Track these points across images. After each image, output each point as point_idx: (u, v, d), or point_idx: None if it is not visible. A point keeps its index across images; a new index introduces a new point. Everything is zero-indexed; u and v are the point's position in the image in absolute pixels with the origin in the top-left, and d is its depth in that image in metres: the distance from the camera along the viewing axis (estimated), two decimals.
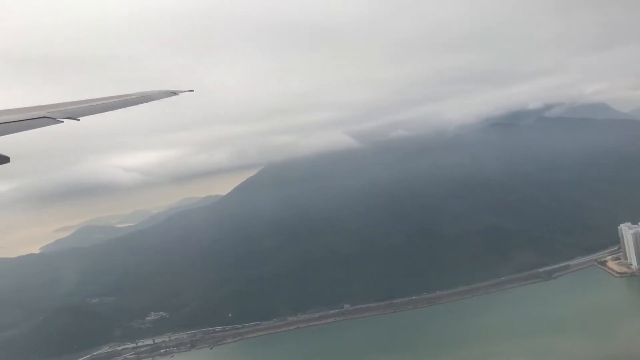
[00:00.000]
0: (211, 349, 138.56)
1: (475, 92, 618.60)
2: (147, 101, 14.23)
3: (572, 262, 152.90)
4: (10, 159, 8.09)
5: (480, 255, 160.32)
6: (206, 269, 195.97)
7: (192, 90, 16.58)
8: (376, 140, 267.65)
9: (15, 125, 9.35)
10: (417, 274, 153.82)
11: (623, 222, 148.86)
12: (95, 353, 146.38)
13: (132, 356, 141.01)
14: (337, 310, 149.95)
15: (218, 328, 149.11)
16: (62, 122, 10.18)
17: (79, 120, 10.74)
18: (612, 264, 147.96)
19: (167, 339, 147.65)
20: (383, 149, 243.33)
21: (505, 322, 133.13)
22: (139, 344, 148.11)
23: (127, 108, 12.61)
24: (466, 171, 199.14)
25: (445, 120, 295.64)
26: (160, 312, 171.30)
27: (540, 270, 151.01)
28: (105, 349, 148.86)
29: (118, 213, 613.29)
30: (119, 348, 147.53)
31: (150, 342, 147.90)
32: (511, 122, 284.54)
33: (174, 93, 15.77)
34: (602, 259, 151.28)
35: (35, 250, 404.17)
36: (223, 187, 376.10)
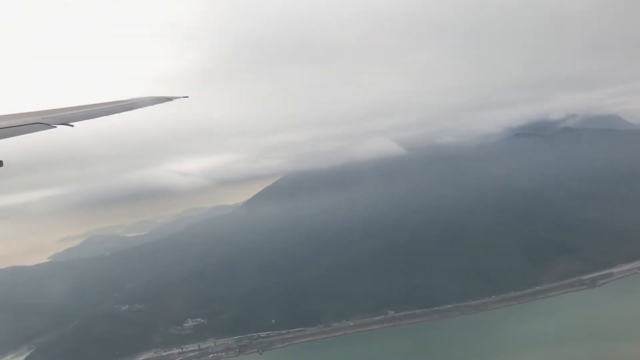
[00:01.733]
0: (260, 354, 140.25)
1: (498, 102, 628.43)
2: (140, 107, 14.32)
3: (614, 270, 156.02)
4: (7, 164, 8.70)
5: (521, 263, 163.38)
6: (238, 276, 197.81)
7: (187, 97, 16.83)
8: (418, 147, 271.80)
9: (9, 130, 9.53)
10: (459, 281, 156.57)
11: None
12: (142, 358, 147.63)
13: None
14: (382, 317, 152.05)
15: (263, 334, 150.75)
16: (55, 127, 10.39)
17: (72, 126, 10.90)
18: None
19: (212, 345, 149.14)
20: (424, 156, 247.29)
21: (554, 329, 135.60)
22: (184, 349, 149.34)
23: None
24: (496, 180, 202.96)
25: (469, 130, 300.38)
26: (198, 319, 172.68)
27: (584, 277, 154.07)
28: (150, 355, 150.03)
29: (120, 223, 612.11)
30: (165, 353, 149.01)
31: (195, 347, 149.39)
32: (534, 132, 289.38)
33: (169, 99, 15.89)
34: None
35: (44, 259, 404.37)
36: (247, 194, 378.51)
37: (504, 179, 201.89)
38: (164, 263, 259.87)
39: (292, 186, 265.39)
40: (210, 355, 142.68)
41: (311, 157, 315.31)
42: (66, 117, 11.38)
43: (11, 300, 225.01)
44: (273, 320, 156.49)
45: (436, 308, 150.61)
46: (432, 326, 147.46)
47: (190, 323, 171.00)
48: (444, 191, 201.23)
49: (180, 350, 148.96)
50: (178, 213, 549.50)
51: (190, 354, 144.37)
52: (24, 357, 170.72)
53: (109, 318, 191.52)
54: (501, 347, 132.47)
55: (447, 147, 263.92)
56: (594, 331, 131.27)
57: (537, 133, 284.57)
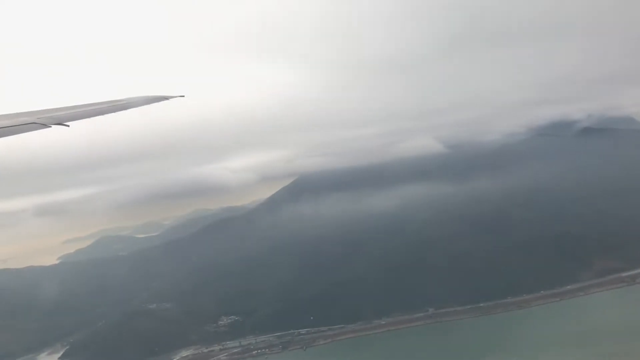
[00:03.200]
0: (305, 350, 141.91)
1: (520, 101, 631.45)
2: (135, 106, 14.42)
3: None
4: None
5: (558, 260, 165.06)
6: (268, 274, 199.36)
7: (183, 96, 16.81)
8: (458, 145, 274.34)
9: (4, 130, 9.70)
10: (498, 278, 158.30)
11: None
12: (184, 355, 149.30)
13: (225, 357, 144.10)
14: (422, 313, 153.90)
15: (303, 331, 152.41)
16: (50, 127, 10.56)
17: (68, 126, 11.05)
18: None
19: (253, 341, 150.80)
20: (464, 154, 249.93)
21: (595, 326, 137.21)
22: (225, 345, 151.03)
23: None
24: (530, 179, 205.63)
25: (491, 130, 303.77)
26: (232, 316, 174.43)
27: (624, 275, 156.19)
28: (190, 351, 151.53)
29: (126, 225, 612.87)
30: (206, 350, 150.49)
31: (235, 344, 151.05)
32: (555, 132, 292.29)
33: (165, 98, 15.93)
34: None
35: (53, 260, 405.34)
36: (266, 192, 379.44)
37: (530, 178, 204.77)
38: (185, 262, 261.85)
39: (328, 183, 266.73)
40: (254, 352, 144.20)
41: (352, 153, 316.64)
42: (62, 117, 11.46)
43: (34, 299, 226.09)
44: (312, 317, 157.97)
45: (477, 305, 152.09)
46: (473, 323, 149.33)
47: (225, 321, 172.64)
48: (482, 189, 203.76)
49: (221, 347, 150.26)
50: (185, 214, 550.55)
51: (234, 350, 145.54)
52: (60, 353, 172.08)
53: (139, 316, 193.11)
54: (543, 344, 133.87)
55: (486, 145, 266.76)
56: (634, 328, 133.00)
57: (558, 133, 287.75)
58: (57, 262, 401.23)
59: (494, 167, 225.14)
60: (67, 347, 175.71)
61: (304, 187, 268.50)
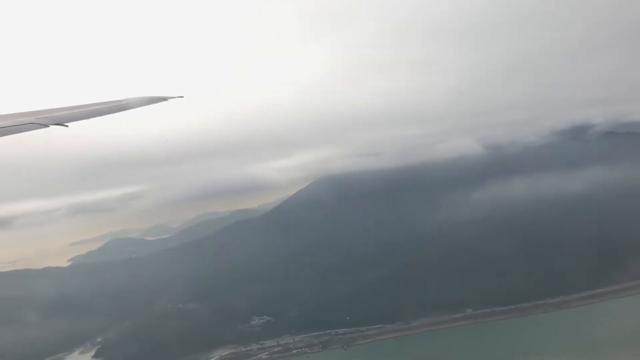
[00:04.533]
0: (345, 349, 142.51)
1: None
2: (134, 107, 14.49)
3: None
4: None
5: (594, 262, 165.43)
6: (297, 274, 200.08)
7: (182, 96, 16.82)
8: (498, 146, 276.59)
9: (3, 130, 9.82)
10: (536, 279, 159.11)
11: None
12: (224, 354, 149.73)
13: (266, 356, 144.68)
14: (460, 314, 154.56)
15: (340, 330, 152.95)
16: (48, 127, 10.66)
17: (67, 126, 11.16)
18: None
19: (291, 341, 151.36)
20: (502, 156, 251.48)
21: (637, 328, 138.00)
22: (263, 344, 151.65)
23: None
24: (557, 182, 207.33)
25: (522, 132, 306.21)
26: (264, 317, 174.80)
27: None
28: (228, 351, 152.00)
29: (133, 227, 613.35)
30: (244, 349, 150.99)
31: (273, 343, 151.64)
32: (577, 136, 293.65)
33: (163, 99, 15.94)
34: None
35: (63, 262, 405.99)
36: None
37: (568, 179, 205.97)
38: (206, 263, 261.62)
39: (364, 183, 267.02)
40: (294, 351, 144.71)
41: (389, 154, 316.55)
42: (60, 117, 11.54)
43: (59, 300, 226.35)
44: (348, 318, 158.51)
45: (516, 306, 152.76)
46: (512, 324, 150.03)
47: (257, 321, 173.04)
48: (516, 191, 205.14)
49: (259, 346, 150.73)
50: (194, 217, 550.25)
51: (275, 350, 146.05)
52: (92, 352, 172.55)
53: (167, 316, 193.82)
54: (584, 345, 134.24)
55: (524, 146, 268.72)
56: None
57: (581, 137, 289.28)
58: (68, 264, 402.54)
59: (527, 169, 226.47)
60: (99, 347, 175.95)
61: (339, 187, 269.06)
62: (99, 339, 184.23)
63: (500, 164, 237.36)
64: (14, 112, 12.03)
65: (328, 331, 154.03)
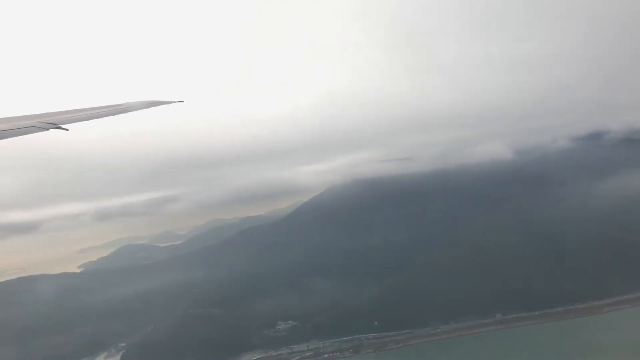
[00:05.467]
0: (377, 354, 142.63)
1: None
2: (134, 110, 14.62)
3: None
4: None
5: (621, 267, 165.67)
6: (320, 280, 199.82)
7: (182, 101, 16.80)
8: (528, 151, 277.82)
9: (4, 134, 9.91)
10: (567, 284, 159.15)
11: None
12: (254, 358, 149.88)
13: None
14: (491, 319, 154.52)
15: (370, 335, 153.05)
16: (48, 130, 10.76)
17: (67, 129, 11.23)
18: None
19: (320, 345, 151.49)
20: (531, 161, 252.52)
21: None
22: (293, 349, 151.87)
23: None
24: (584, 187, 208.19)
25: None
26: (289, 322, 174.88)
27: None
28: (259, 355, 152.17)
29: (141, 234, 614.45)
30: (275, 353, 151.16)
31: (303, 347, 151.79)
32: (596, 142, 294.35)
33: (165, 103, 16.03)
34: None
35: (73, 268, 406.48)
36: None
37: (593, 184, 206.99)
38: (220, 269, 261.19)
39: (392, 188, 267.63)
40: (325, 355, 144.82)
41: (419, 159, 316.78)
42: (61, 120, 11.63)
43: (78, 305, 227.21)
44: (376, 323, 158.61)
45: (546, 311, 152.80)
46: (542, 329, 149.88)
47: (283, 326, 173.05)
48: (545, 195, 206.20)
49: (289, 351, 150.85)
50: (203, 224, 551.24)
51: (307, 354, 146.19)
52: (118, 356, 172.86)
53: (189, 321, 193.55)
54: (616, 351, 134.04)
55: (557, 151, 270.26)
56: None
57: (600, 143, 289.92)
58: (79, 270, 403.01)
59: (551, 175, 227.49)
60: (124, 351, 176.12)
61: (369, 191, 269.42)
62: (123, 344, 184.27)
63: (527, 169, 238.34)
64: (15, 115, 12.16)
65: (357, 336, 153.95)
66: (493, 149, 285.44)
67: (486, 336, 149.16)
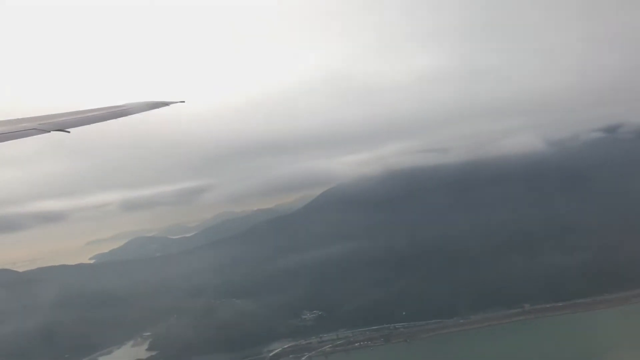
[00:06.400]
0: (408, 342, 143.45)
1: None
2: (136, 112, 14.59)
3: None
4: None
5: None
6: (341, 271, 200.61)
7: (184, 101, 16.74)
8: (561, 143, 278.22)
9: (5, 136, 9.89)
10: (596, 275, 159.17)
11: None
12: (285, 346, 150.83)
13: (330, 349, 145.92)
14: (519, 309, 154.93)
15: (398, 325, 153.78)
16: (49, 132, 10.74)
17: (69, 132, 11.28)
18: None
19: (350, 334, 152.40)
20: (564, 154, 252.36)
21: None
22: (322, 338, 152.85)
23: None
24: (610, 179, 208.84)
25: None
26: (315, 311, 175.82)
27: None
28: (286, 344, 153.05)
29: (149, 227, 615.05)
30: (304, 342, 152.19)
31: (333, 336, 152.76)
32: (608, 136, 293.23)
33: (165, 104, 16.00)
34: None
35: (85, 260, 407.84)
36: None
37: (620, 177, 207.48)
38: (237, 261, 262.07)
39: (425, 179, 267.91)
40: (356, 344, 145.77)
41: (452, 150, 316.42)
42: (62, 122, 11.63)
43: (95, 296, 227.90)
44: (404, 313, 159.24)
45: (575, 301, 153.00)
46: (571, 319, 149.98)
47: (308, 315, 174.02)
48: (575, 187, 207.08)
49: (319, 340, 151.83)
50: (213, 217, 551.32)
51: (338, 342, 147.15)
52: (145, 345, 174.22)
53: (212, 311, 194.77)
54: None
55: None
56: None
57: (619, 136, 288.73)
58: (91, 261, 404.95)
59: (590, 166, 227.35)
60: (151, 340, 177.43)
61: (399, 182, 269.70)
62: (147, 333, 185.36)
63: (562, 160, 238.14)
64: (16, 117, 12.14)
65: (385, 325, 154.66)
66: (527, 139, 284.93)
67: (515, 326, 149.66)
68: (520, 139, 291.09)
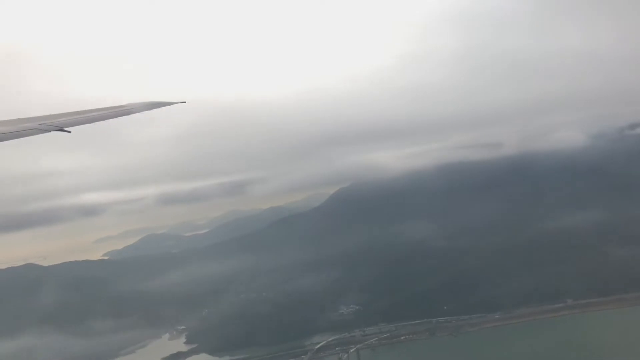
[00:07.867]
0: (455, 336, 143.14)
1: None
2: (136, 112, 14.67)
3: None
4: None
5: None
6: (377, 264, 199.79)
7: (184, 102, 16.81)
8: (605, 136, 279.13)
9: (6, 136, 9.92)
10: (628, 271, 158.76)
11: None
12: (330, 339, 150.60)
13: (376, 341, 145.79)
14: (561, 304, 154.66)
15: (441, 319, 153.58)
16: (50, 132, 10.82)
17: (69, 132, 11.33)
18: None
19: (392, 328, 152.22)
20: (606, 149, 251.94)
21: None
22: (366, 331, 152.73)
23: None
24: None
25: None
26: (352, 306, 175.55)
27: None
28: (330, 337, 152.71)
29: (158, 224, 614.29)
30: (348, 335, 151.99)
31: (376, 330, 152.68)
32: (616, 136, 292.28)
33: (167, 104, 16.06)
34: None
35: (98, 256, 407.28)
36: None
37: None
38: (259, 257, 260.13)
39: (466, 175, 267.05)
40: (402, 337, 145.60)
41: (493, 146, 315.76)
42: (63, 122, 11.67)
43: (122, 292, 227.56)
44: (445, 307, 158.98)
45: (621, 296, 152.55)
46: (614, 314, 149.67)
47: (346, 310, 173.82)
48: (612, 181, 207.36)
49: (362, 333, 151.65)
50: (222, 215, 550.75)
51: (383, 335, 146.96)
52: (182, 338, 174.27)
53: (243, 305, 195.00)
54: None
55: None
56: None
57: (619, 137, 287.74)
58: (105, 257, 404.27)
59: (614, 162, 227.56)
60: (187, 333, 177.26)
61: (446, 176, 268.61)
62: (182, 327, 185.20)
63: (607, 155, 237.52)
64: (17, 117, 12.21)
65: (427, 320, 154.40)
66: (573, 136, 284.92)
67: (558, 321, 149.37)
68: (567, 135, 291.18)
